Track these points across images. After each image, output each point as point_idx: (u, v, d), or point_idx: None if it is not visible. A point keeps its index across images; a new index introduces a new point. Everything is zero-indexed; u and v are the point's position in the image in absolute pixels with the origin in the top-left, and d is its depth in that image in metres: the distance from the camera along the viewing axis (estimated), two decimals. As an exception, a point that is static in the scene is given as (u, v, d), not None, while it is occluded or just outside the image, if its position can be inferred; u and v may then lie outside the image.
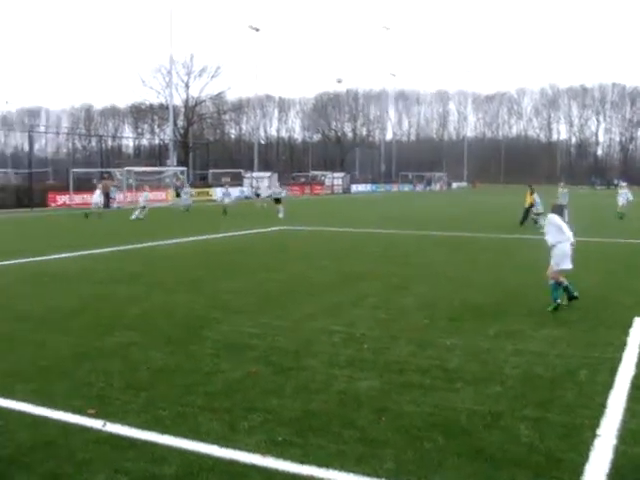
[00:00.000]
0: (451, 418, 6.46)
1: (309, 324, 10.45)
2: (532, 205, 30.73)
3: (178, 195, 49.70)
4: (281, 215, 35.58)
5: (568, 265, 11.74)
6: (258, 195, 55.46)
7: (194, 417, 6.44)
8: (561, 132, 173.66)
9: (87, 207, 40.47)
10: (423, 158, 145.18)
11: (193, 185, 60.29)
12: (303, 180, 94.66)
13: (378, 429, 6.18)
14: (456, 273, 15.98)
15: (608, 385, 7.52)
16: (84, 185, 55.75)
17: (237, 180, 75.97)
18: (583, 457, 5.63)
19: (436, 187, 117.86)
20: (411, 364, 8.28)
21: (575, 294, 11.83)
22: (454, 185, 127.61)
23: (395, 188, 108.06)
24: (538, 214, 29.83)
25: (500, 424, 6.31)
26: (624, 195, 36.81)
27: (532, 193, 30.70)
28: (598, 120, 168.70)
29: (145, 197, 38.49)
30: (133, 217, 35.63)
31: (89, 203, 49.71)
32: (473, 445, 5.82)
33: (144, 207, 36.91)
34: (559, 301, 11.65)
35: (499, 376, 7.81)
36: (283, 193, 39.12)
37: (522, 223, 30.74)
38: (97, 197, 38.74)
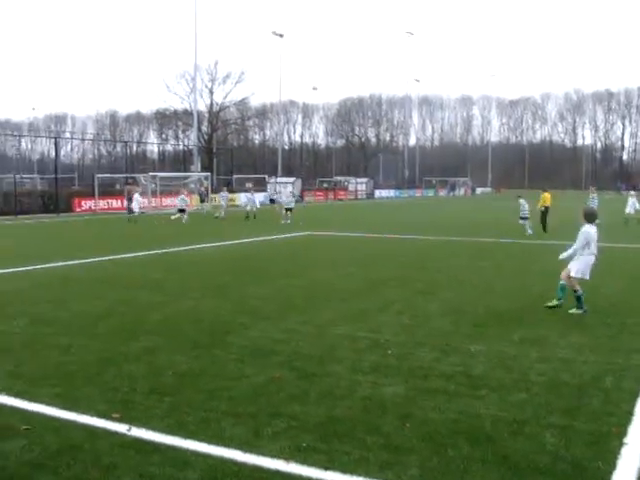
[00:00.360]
0: (476, 425, 6.42)
1: (333, 330, 10.44)
2: (547, 208, 30.55)
3: (202, 201, 49.56)
4: (288, 221, 36.16)
5: (587, 276, 11.87)
6: (272, 201, 53.89)
7: (218, 422, 6.45)
8: (586, 137, 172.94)
9: (112, 212, 40.74)
10: (447, 163, 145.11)
11: (216, 191, 60.21)
12: (326, 185, 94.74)
13: (402, 435, 6.16)
14: (480, 279, 15.91)
15: (635, 392, 7.44)
16: (109, 190, 56.25)
17: (261, 186, 76.20)
18: (610, 465, 5.58)
19: (460, 192, 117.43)
20: (435, 370, 8.26)
21: (585, 308, 11.78)
22: (478, 190, 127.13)
23: (419, 193, 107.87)
24: (523, 218, 30.10)
25: (525, 431, 6.27)
26: (632, 204, 36.28)
27: (519, 197, 30.70)
28: (624, 124, 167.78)
29: (182, 201, 38.85)
30: (184, 221, 36.95)
31: (114, 208, 50.34)
32: (498, 452, 5.78)
33: (184, 210, 37.55)
34: (562, 301, 12.08)
35: (524, 383, 7.76)
36: (292, 203, 39.28)
37: (545, 229, 30.28)
38: (136, 202, 40.57)
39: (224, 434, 6.16)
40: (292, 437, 6.10)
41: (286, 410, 6.78)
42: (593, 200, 33.59)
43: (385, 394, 7.32)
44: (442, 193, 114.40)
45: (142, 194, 50.89)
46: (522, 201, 30.10)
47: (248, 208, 41.43)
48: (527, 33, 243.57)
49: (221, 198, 45.36)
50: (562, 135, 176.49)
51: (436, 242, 26.00)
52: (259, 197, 52.29)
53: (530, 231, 29.20)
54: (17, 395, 7.26)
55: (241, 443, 5.95)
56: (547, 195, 31.04)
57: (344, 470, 5.44)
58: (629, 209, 36.05)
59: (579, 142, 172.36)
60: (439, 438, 6.10)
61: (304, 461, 5.59)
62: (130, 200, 48.50)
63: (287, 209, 37.67)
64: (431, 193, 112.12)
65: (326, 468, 5.47)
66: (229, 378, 7.90)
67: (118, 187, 59.36)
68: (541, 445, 5.96)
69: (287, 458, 5.64)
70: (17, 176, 54.90)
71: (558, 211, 31.58)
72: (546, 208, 30.64)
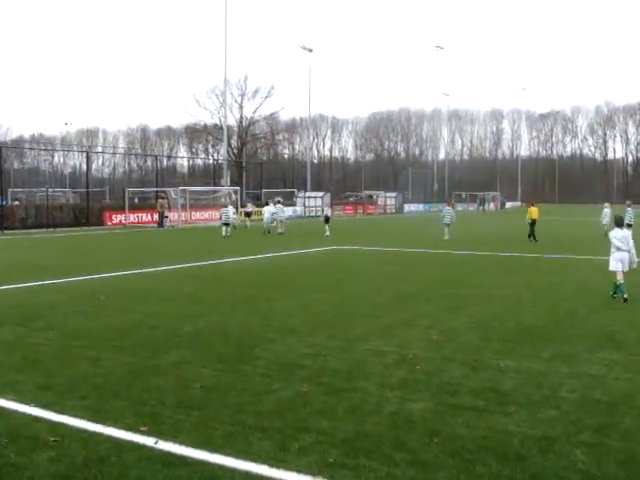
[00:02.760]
0: (505, 442, 6.35)
1: (361, 345, 10.40)
2: (534, 220, 33.72)
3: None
4: (327, 234, 37.55)
5: (618, 268, 14.85)
6: (249, 214, 50.50)
7: (245, 436, 6.44)
8: (617, 150, 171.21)
9: (143, 226, 40.92)
10: (476, 177, 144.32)
11: (243, 205, 60.26)
12: (353, 199, 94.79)
13: (430, 452, 6.10)
14: (510, 294, 15.79)
15: (668, 410, 7.32)
16: (139, 204, 56.76)
17: (290, 200, 76.50)
18: (642, 484, 5.49)
19: (490, 207, 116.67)
20: (464, 386, 8.19)
21: (617, 295, 14.84)
22: (508, 205, 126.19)
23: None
24: (448, 224, 36.09)
25: (555, 449, 6.18)
26: (607, 216, 36.73)
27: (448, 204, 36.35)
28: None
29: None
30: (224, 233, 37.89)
31: (145, 221, 50.70)
32: (527, 470, 5.71)
33: (228, 224, 38.58)
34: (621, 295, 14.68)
35: (554, 400, 7.66)
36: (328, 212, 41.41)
37: (530, 237, 33.19)
38: (232, 213, 40.88)
39: (251, 449, 6.15)
40: (319, 452, 6.07)
41: (313, 425, 6.76)
42: (628, 213, 34.12)
43: (413, 410, 7.27)
44: (471, 208, 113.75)
45: (173, 207, 51.21)
46: (447, 208, 37.58)
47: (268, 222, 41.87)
48: (557, 46, 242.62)
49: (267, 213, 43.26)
50: (593, 149, 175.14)
51: (464, 257, 25.88)
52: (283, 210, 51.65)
53: (447, 237, 35.22)
54: (46, 407, 7.31)
55: (268, 458, 5.93)
56: (534, 209, 34.41)
57: (371, 486, 5.40)
58: (606, 220, 36.95)
59: (610, 156, 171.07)
60: (467, 455, 6.04)
61: (331, 477, 5.56)
62: (162, 214, 48.85)
63: (326, 219, 39.84)
64: (460, 207, 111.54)
65: (353, 484, 5.44)
66: (256, 392, 7.89)
67: (136, 201, 59.32)
68: (572, 463, 5.87)
69: (314, 473, 5.61)
70: (49, 190, 55.47)
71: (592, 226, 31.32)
72: (533, 220, 33.76)
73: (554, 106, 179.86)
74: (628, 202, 36.80)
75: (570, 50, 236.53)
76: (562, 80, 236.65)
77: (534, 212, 34.15)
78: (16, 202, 58.03)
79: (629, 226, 32.60)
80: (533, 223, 33.61)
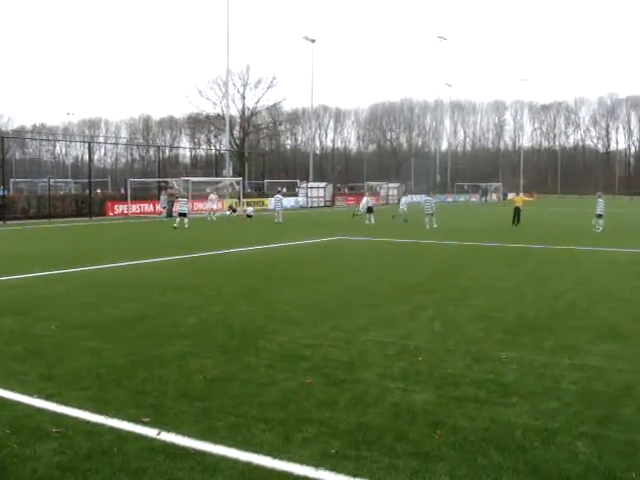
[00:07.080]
0: (506, 433, 6.36)
1: (363, 336, 10.41)
2: (517, 208, 39.30)
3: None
4: (368, 222, 41.31)
5: None
6: (234, 210, 51.63)
7: (248, 428, 6.45)
8: (619, 142, 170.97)
9: (145, 216, 40.91)
10: (479, 168, 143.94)
11: (248, 195, 60.48)
12: (347, 191, 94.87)
13: (432, 443, 6.12)
14: (511, 285, 15.79)
15: (669, 402, 7.33)
16: (141, 194, 56.82)
17: (292, 190, 76.63)
18: (643, 476, 5.49)
19: (492, 197, 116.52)
20: (466, 377, 8.20)
21: None
22: (510, 196, 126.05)
23: (450, 199, 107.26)
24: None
25: (557, 441, 6.19)
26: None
27: (431, 193, 42.74)
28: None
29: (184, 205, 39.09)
30: (186, 226, 36.96)
31: (147, 212, 50.75)
32: (529, 462, 5.72)
33: (185, 214, 38.17)
34: None
35: (556, 391, 7.67)
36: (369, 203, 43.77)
37: (514, 222, 38.45)
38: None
39: (254, 440, 6.16)
40: (321, 443, 6.08)
41: (316, 416, 6.77)
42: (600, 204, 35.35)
43: (415, 401, 7.28)
44: (474, 199, 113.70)
45: (176, 198, 51.23)
46: (428, 199, 39.44)
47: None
48: (561, 37, 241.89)
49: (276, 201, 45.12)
50: (595, 140, 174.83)
51: (466, 247, 25.86)
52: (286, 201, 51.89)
53: (434, 225, 37.04)
54: (49, 398, 7.32)
55: (271, 449, 5.94)
56: (518, 198, 43.75)
57: (373, 477, 5.41)
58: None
59: (612, 147, 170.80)
60: (469, 446, 6.05)
61: (333, 468, 5.58)
62: (172, 204, 48.98)
63: (369, 209, 43.01)
64: (462, 198, 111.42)
65: (355, 475, 5.45)
66: (259, 383, 7.90)
67: (123, 191, 58.91)
68: (573, 455, 5.89)
69: (316, 464, 5.63)
70: (51, 180, 55.48)
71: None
72: (517, 208, 39.50)
73: (557, 97, 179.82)
74: (599, 193, 38.09)
75: (573, 41, 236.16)
76: (565, 71, 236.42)
77: (518, 201, 42.38)
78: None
79: (599, 216, 34.31)
80: (517, 210, 39.22)
